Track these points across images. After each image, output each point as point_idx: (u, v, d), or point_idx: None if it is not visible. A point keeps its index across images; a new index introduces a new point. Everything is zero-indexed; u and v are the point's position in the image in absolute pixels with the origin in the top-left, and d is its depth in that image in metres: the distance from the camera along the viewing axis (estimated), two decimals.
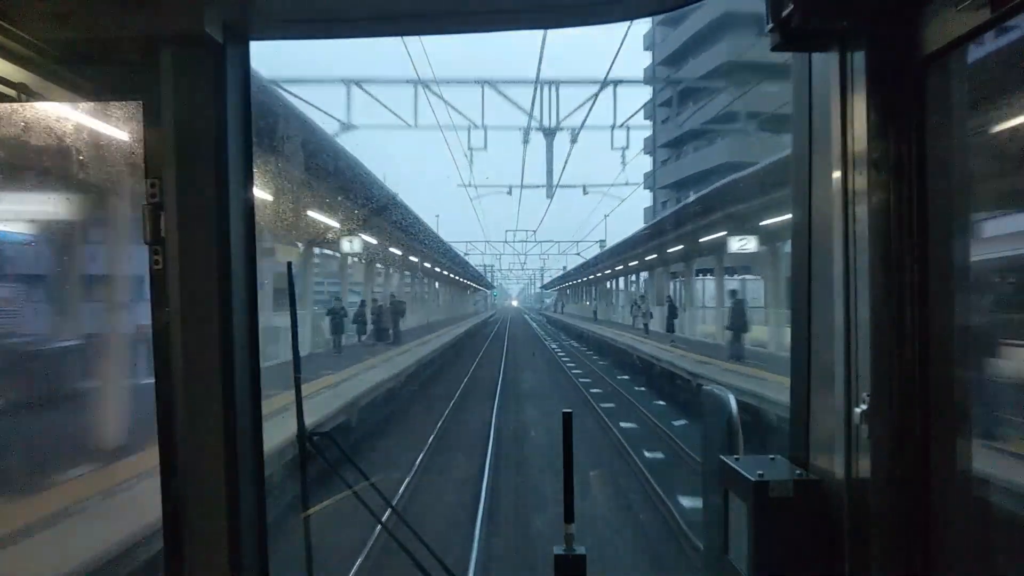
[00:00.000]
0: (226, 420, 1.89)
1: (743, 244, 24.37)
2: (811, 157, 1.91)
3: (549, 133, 22.94)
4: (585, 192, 41.83)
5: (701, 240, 28.82)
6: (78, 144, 3.27)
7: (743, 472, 1.89)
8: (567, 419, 2.09)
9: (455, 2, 2.07)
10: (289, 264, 2.64)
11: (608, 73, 21.52)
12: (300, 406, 2.29)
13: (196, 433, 1.88)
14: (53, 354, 9.35)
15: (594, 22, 2.04)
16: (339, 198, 21.91)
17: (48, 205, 6.55)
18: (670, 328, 32.23)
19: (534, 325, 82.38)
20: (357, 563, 8.18)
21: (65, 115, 2.61)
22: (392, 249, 34.03)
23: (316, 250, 26.72)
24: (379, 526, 2.93)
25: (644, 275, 51.86)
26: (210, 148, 1.86)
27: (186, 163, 1.85)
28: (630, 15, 2.06)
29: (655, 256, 38.91)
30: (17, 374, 7.70)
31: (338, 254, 28.88)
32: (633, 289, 56.19)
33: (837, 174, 1.76)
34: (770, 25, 1.74)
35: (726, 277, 33.25)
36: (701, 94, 35.61)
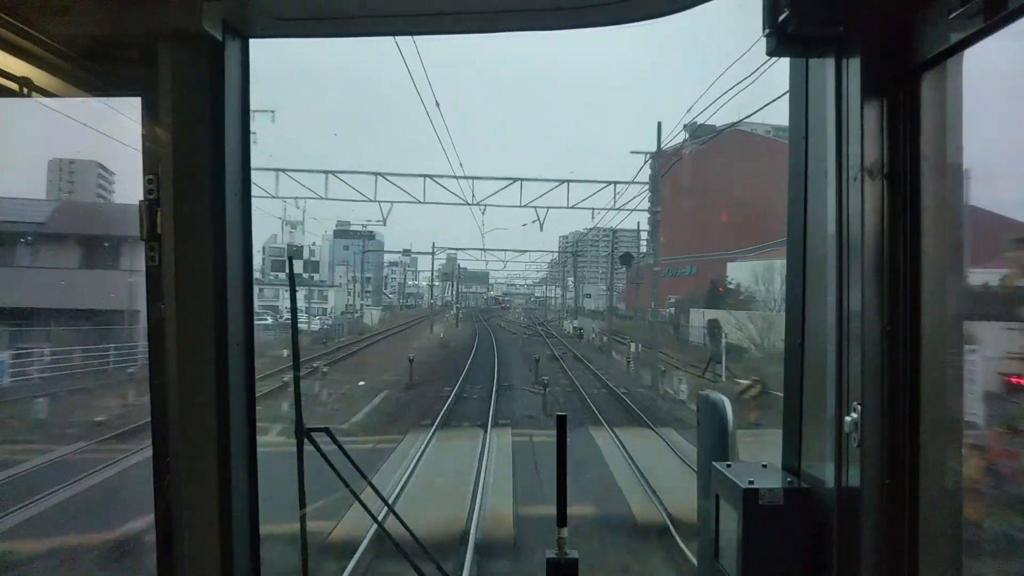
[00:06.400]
0: (220, 416, 1.90)
1: None
2: (807, 162, 1.89)
3: None
4: None
5: None
6: None
7: (734, 479, 1.89)
8: (561, 422, 2.08)
9: (456, 2, 2.06)
10: (290, 259, 2.66)
11: None
12: (299, 402, 2.31)
13: (190, 429, 1.89)
14: None
15: (602, 23, 2.02)
16: None
17: None
18: None
19: None
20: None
21: None
22: None
23: None
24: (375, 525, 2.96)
25: None
26: (208, 145, 1.87)
27: (183, 160, 1.86)
28: (637, 16, 2.04)
29: None
30: None
31: None
32: None
33: (832, 179, 1.75)
34: (766, 31, 1.73)
35: None
36: None
